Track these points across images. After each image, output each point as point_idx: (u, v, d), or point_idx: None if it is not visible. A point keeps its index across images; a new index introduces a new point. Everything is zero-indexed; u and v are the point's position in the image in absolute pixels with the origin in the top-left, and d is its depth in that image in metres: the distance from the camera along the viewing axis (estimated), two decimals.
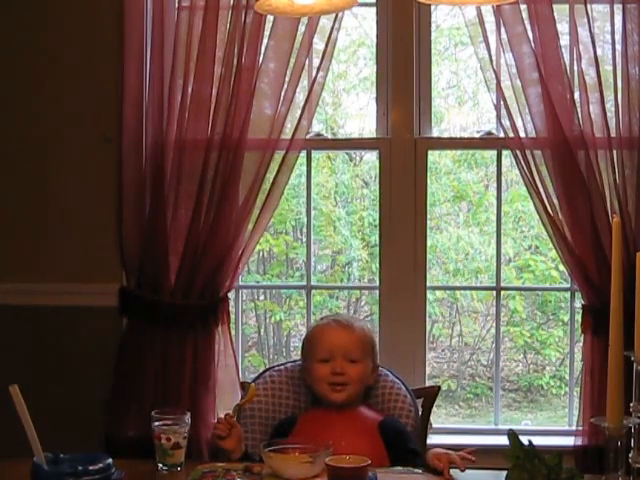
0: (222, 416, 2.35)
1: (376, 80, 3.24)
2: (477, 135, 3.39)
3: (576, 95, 2.98)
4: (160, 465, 2.23)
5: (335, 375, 2.45)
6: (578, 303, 3.15)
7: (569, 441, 3.06)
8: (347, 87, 5.41)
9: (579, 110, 2.97)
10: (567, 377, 4.69)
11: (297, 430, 2.43)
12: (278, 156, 3.04)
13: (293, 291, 5.50)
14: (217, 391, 3.07)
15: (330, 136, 4.69)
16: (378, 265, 3.26)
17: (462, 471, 2.16)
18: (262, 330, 5.67)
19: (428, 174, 3.22)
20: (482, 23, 2.97)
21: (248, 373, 4.65)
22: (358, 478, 2.02)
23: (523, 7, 2.95)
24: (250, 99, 3.01)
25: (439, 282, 5.27)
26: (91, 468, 1.97)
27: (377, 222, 3.27)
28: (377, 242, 3.27)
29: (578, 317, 3.09)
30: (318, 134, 3.32)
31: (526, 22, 2.96)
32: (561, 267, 4.13)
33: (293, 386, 2.61)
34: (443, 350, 5.88)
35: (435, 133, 3.30)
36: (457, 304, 5.75)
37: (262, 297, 5.69)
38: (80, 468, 1.96)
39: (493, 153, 3.34)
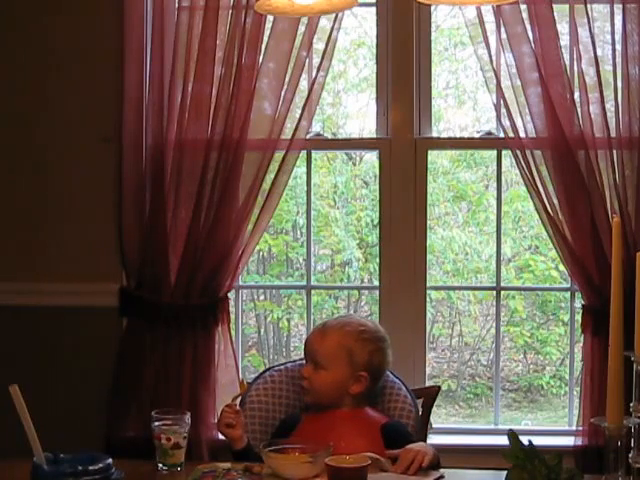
0: (225, 406, 2.39)
1: (376, 80, 3.23)
2: (477, 135, 3.39)
3: (576, 95, 2.98)
4: (160, 465, 2.23)
5: (301, 378, 2.50)
6: (578, 303, 3.15)
7: (569, 441, 3.06)
8: (347, 87, 5.41)
9: (579, 110, 2.97)
10: (567, 377, 4.69)
11: (300, 428, 2.43)
12: (278, 156, 3.04)
13: (292, 291, 5.50)
14: (217, 391, 3.07)
15: (330, 136, 4.70)
16: (375, 265, 3.26)
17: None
18: (262, 330, 5.67)
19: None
20: (482, 23, 2.97)
21: (248, 373, 4.66)
22: (358, 478, 2.02)
23: (523, 7, 2.95)
24: (250, 99, 3.01)
25: (438, 282, 5.26)
26: (91, 468, 1.97)
27: (375, 222, 3.28)
28: (374, 242, 3.28)
29: (578, 317, 3.09)
30: (318, 134, 3.32)
31: (526, 22, 2.96)
32: (561, 267, 4.13)
33: (293, 386, 2.61)
34: (443, 350, 5.87)
35: (434, 133, 3.30)
36: (457, 304, 5.75)
37: (262, 297, 5.69)
38: (80, 468, 1.96)
39: (493, 153, 3.34)
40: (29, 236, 3.19)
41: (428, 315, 3.69)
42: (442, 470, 2.23)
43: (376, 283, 3.49)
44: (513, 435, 1.81)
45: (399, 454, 2.23)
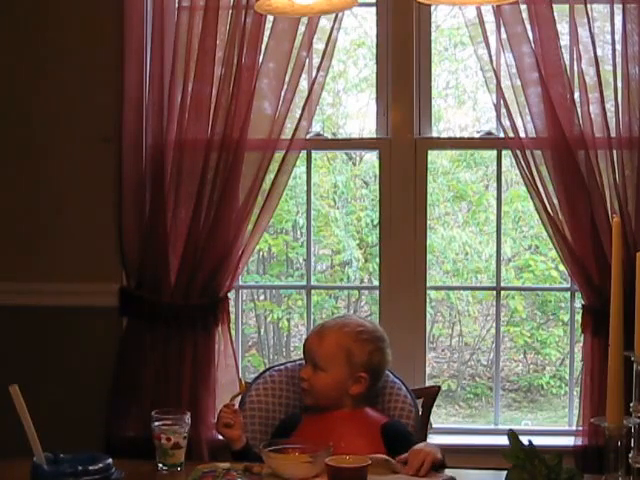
0: (224, 406, 2.39)
1: (376, 80, 3.23)
2: (477, 135, 3.39)
3: (576, 95, 2.98)
4: (160, 465, 2.23)
5: (301, 380, 2.49)
6: (578, 303, 3.15)
7: (569, 441, 3.06)
8: (347, 87, 5.41)
9: (579, 110, 2.97)
10: (567, 377, 4.70)
11: (300, 429, 2.43)
12: (278, 156, 3.04)
13: (292, 291, 5.50)
14: (217, 391, 3.07)
15: (330, 136, 4.70)
16: (375, 265, 3.26)
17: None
18: (262, 330, 5.68)
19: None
20: (482, 23, 2.97)
21: (248, 373, 4.66)
22: (358, 478, 2.02)
23: (523, 7, 2.95)
24: (250, 99, 3.01)
25: (438, 282, 5.26)
26: (91, 468, 1.97)
27: (375, 222, 3.28)
28: (374, 242, 3.28)
29: (578, 317, 3.09)
30: (318, 134, 3.32)
31: (526, 22, 2.96)
32: (561, 267, 4.14)
33: (293, 386, 2.61)
34: (443, 350, 5.88)
35: (434, 133, 3.30)
36: (456, 304, 5.75)
37: (262, 297, 5.69)
38: (80, 468, 1.96)
39: (493, 153, 3.34)
40: (29, 236, 3.19)
41: (428, 315, 3.68)
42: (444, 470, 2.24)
43: (376, 283, 3.49)
44: (513, 435, 1.81)
45: (408, 457, 2.22)
